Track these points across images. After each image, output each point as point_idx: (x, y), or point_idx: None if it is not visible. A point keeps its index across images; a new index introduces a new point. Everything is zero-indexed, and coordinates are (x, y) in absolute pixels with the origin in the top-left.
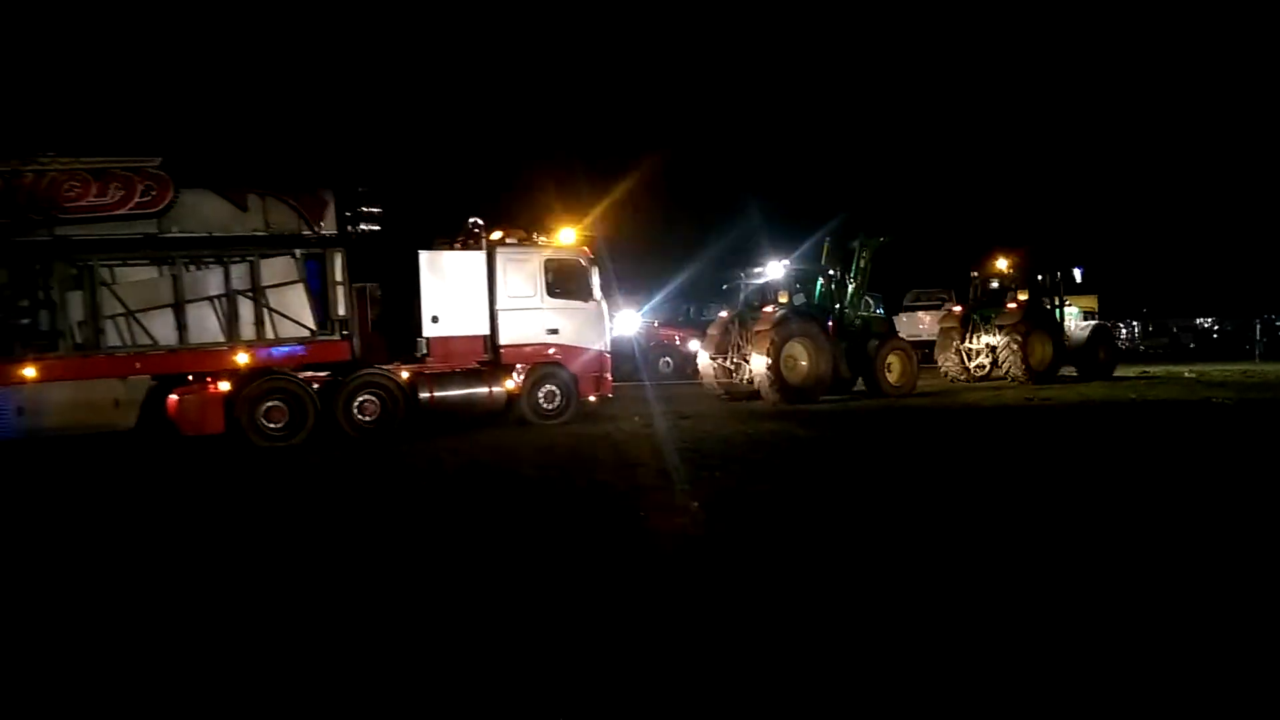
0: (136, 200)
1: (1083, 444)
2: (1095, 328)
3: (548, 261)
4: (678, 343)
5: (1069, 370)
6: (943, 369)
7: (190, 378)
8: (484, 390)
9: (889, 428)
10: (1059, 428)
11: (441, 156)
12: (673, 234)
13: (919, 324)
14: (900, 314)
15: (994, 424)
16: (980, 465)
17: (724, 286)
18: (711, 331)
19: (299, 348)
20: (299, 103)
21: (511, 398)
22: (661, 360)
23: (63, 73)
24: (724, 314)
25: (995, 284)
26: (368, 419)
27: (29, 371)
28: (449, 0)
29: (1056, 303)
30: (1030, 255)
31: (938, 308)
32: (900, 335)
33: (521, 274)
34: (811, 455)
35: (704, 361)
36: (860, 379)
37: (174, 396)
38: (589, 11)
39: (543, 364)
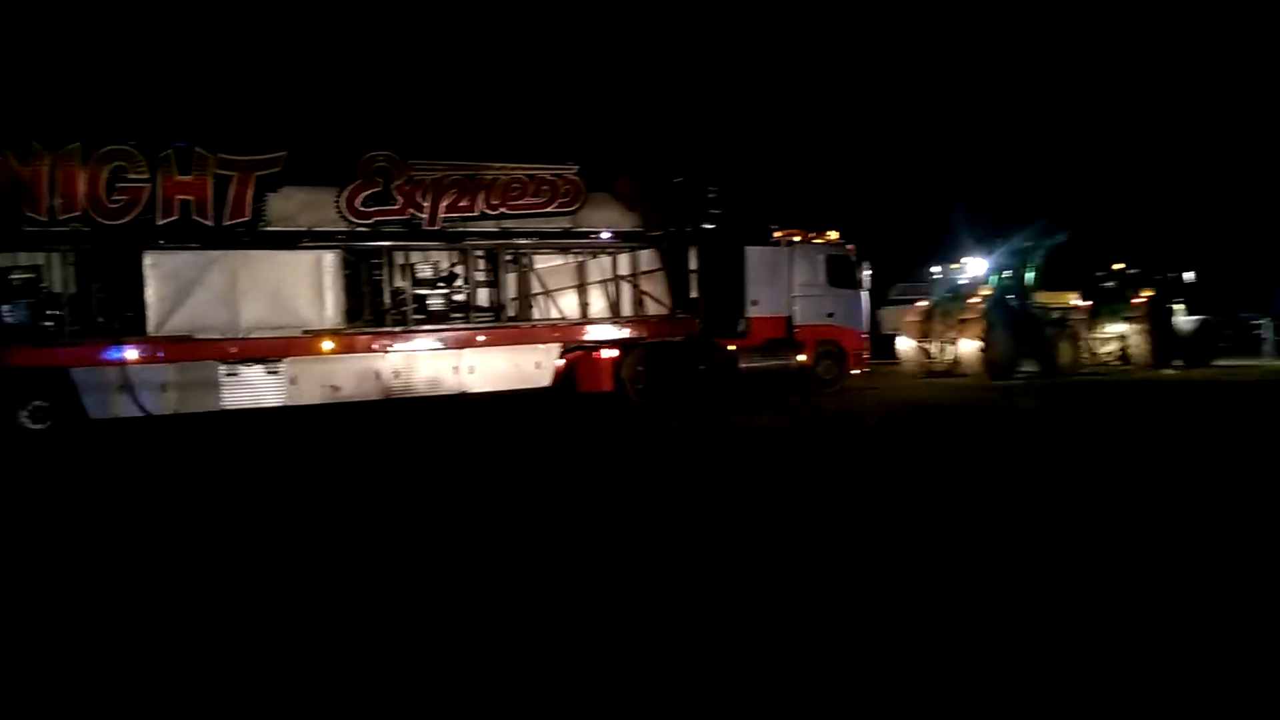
0: (559, 200)
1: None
2: (1201, 322)
3: (828, 256)
4: None
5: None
6: None
7: (583, 348)
8: (783, 362)
9: (1084, 396)
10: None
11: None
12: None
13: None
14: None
15: (1174, 393)
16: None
17: (930, 278)
18: (911, 318)
19: (663, 324)
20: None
21: (802, 368)
22: None
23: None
24: (923, 303)
25: (1115, 283)
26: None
27: (480, 338)
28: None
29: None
30: (1149, 259)
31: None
32: (1068, 324)
33: (810, 266)
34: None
35: (905, 345)
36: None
37: (570, 361)
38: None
39: (822, 341)
